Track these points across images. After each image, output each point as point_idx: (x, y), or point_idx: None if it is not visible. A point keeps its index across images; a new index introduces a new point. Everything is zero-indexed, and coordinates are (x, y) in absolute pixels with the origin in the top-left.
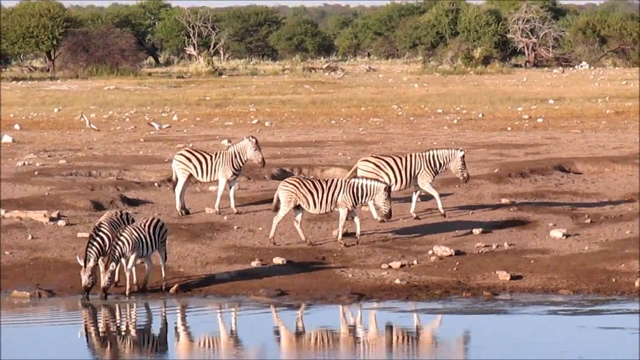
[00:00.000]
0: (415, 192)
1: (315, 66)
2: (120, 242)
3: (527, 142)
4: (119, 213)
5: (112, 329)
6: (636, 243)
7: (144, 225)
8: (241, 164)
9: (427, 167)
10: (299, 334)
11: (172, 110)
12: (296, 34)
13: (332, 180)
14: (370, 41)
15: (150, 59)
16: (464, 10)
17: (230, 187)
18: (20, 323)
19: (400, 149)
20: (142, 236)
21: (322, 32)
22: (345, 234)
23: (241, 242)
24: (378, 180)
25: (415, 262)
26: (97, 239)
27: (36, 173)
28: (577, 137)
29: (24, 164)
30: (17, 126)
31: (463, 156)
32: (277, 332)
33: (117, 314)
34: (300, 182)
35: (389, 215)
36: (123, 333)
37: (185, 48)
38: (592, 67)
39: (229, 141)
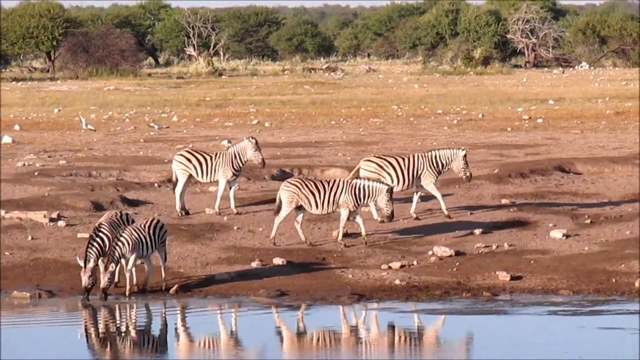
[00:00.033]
0: (417, 192)
1: (315, 67)
2: (120, 243)
3: (527, 143)
4: (118, 214)
5: (112, 329)
6: (636, 243)
7: (144, 226)
8: (241, 165)
9: (430, 167)
10: (299, 334)
11: (172, 110)
12: (296, 34)
13: (334, 181)
14: (370, 42)
15: (150, 59)
16: (464, 11)
17: (230, 188)
18: (20, 323)
19: (400, 149)
20: (142, 237)
21: (322, 33)
22: (345, 235)
23: (241, 242)
24: (380, 182)
25: (415, 262)
26: (97, 239)
27: (36, 173)
28: (577, 138)
29: (24, 164)
30: (17, 127)
31: (465, 155)
32: (277, 333)
33: (117, 314)
34: (302, 183)
35: (391, 217)
36: (123, 334)
37: (185, 48)
38: (592, 68)
39: (229, 142)
